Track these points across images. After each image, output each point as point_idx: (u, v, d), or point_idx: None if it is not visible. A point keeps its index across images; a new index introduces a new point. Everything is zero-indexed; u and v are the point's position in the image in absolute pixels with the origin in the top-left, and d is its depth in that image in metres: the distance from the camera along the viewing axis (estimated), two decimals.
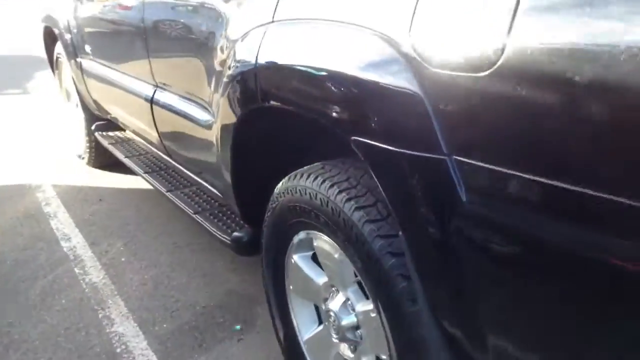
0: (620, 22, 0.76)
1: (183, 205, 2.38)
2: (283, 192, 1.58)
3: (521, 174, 0.89)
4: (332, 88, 1.22)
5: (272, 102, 1.47)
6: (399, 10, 1.08)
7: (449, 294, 1.09)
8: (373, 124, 1.12)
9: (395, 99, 1.06)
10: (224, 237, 2.06)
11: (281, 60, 1.40)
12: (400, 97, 1.05)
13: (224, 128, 1.76)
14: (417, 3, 1.04)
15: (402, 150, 1.05)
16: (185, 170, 2.66)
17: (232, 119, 1.69)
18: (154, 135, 2.58)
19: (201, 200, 2.42)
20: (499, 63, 0.88)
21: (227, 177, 1.86)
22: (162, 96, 2.36)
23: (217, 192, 2.26)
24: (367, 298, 1.45)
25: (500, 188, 0.92)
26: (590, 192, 0.80)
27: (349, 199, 1.34)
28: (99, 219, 3.23)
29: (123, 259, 2.78)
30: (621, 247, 0.81)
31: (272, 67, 1.43)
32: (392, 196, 1.12)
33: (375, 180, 1.15)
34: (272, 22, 1.46)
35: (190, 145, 2.24)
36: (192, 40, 2.00)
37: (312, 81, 1.28)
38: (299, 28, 1.36)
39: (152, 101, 2.43)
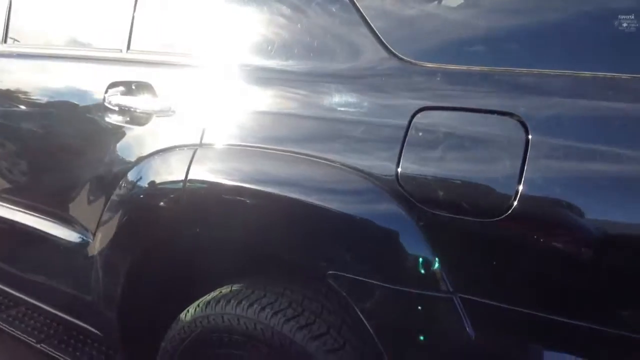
0: None
1: (18, 333, 2.01)
2: (200, 321, 1.46)
3: (526, 310, 0.99)
4: (305, 220, 1.20)
5: (205, 230, 1.37)
6: (383, 146, 1.13)
7: None
8: (361, 260, 1.13)
9: (387, 237, 1.10)
10: None
11: (227, 184, 1.31)
12: (395, 236, 1.09)
13: (112, 252, 1.57)
14: (405, 141, 1.09)
15: (400, 288, 1.08)
16: (2, 287, 2.25)
17: (129, 244, 1.53)
18: None
19: (39, 325, 2.07)
20: (508, 213, 0.98)
21: (108, 303, 1.65)
22: None
23: (72, 317, 1.96)
24: None
25: (508, 324, 1.01)
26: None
27: (299, 328, 1.31)
28: None
29: None
30: None
31: (213, 191, 1.34)
32: (383, 334, 1.13)
33: (362, 318, 1.15)
34: (201, 145, 1.38)
35: (43, 266, 1.92)
36: (57, 149, 1.77)
37: (278, 212, 1.24)
38: (250, 154, 1.31)
39: None
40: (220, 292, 1.48)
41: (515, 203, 0.97)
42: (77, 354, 1.89)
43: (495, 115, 1.02)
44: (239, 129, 1.34)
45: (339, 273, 1.15)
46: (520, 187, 0.97)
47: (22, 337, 2.00)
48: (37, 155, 1.83)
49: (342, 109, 1.19)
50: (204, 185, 1.36)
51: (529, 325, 0.98)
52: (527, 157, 0.96)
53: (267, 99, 1.33)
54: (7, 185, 1.96)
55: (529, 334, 0.99)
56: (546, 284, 0.97)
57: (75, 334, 2.00)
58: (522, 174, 0.97)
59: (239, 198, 1.30)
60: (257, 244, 1.31)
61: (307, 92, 1.26)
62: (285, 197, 1.22)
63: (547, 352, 0.99)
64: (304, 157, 1.21)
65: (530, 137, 0.97)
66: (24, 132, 1.87)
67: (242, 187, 1.29)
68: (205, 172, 1.35)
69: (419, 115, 1.09)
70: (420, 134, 1.08)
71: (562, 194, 0.95)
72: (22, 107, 1.87)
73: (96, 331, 1.84)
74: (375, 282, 1.10)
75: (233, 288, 1.46)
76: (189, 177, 1.36)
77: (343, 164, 1.15)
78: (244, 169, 1.32)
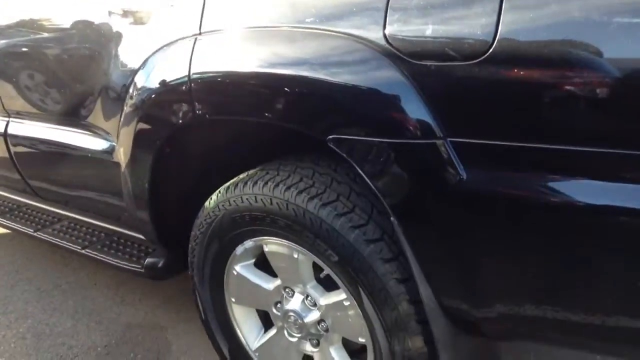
0: None
1: (64, 242, 2.17)
2: (222, 204, 1.56)
3: (515, 143, 1.04)
4: (303, 90, 1.26)
5: (215, 115, 1.44)
6: (369, 11, 1.16)
7: (451, 268, 1.21)
8: (358, 120, 1.19)
9: (380, 94, 1.15)
10: (133, 267, 1.94)
11: (231, 70, 1.38)
12: (386, 91, 1.14)
13: (136, 151, 1.66)
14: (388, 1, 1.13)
15: (396, 141, 1.14)
16: (47, 207, 2.41)
17: (149, 139, 1.61)
18: (9, 175, 2.29)
19: (82, 234, 2.23)
20: (489, 52, 1.01)
21: (139, 202, 1.76)
22: (22, 128, 2.13)
23: (108, 222, 2.11)
24: (330, 290, 1.51)
25: (498, 160, 1.07)
26: (586, 148, 0.98)
27: (311, 198, 1.39)
28: None
29: None
30: (613, 195, 1.00)
31: (217, 78, 1.41)
32: (384, 187, 1.20)
33: (363, 175, 1.22)
34: (200, 33, 1.43)
35: (78, 178, 2.05)
36: (68, 61, 1.84)
37: (277, 87, 1.30)
38: (243, 36, 1.36)
39: (5, 135, 2.17)
40: (239, 177, 1.57)
41: (495, 42, 1.00)
42: (119, 254, 2.04)
43: None
44: (229, 13, 1.38)
45: (337, 136, 1.22)
46: (500, 26, 1.00)
47: (68, 246, 2.16)
48: (52, 70, 1.92)
49: None
50: (207, 72, 1.42)
51: (513, 157, 1.04)
52: None
53: None
54: (31, 105, 2.06)
55: (515, 165, 1.05)
56: (529, 116, 1.01)
57: (117, 238, 2.16)
58: (500, 15, 0.99)
59: (236, 80, 1.37)
60: (260, 121, 1.36)
61: None
62: (278, 73, 1.28)
63: (532, 178, 1.04)
64: (293, 29, 1.26)
65: None
66: (38, 51, 1.95)
67: (238, 71, 1.36)
68: (205, 60, 1.41)
69: None
70: None
71: (541, 28, 0.98)
72: (33, 26, 1.94)
73: (133, 233, 1.98)
74: (370, 138, 1.17)
75: (249, 172, 1.55)
76: (192, 65, 1.42)
77: (332, 31, 1.19)
78: (238, 52, 1.37)
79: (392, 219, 1.22)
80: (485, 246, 1.15)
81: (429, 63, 1.08)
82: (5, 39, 2.04)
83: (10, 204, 2.60)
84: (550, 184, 1.04)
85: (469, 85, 1.05)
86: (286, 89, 1.27)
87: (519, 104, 1.02)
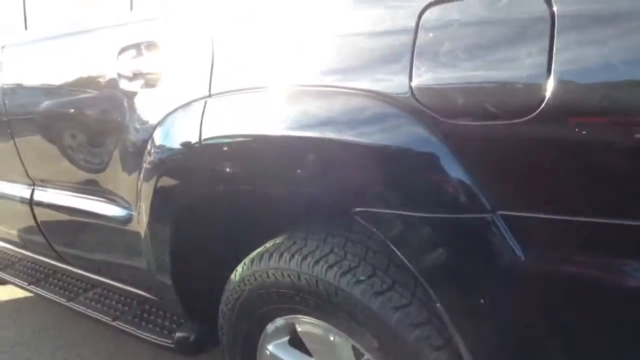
0: None
1: (95, 313, 2.05)
2: (248, 279, 1.39)
3: (580, 218, 0.83)
4: (318, 158, 1.09)
5: (227, 185, 1.29)
6: (391, 62, 0.98)
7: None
8: (385, 191, 1.00)
9: (410, 160, 0.96)
10: (163, 341, 1.79)
11: (241, 134, 1.22)
12: (417, 157, 0.95)
13: (154, 221, 1.53)
14: (414, 49, 0.94)
15: (434, 215, 0.95)
16: (80, 272, 2.31)
17: (168, 207, 1.47)
18: (38, 241, 2.21)
19: (114, 303, 2.10)
20: (541, 108, 0.81)
21: (162, 272, 1.62)
22: (46, 195, 2.04)
23: (137, 290, 1.98)
24: None
25: (563, 237, 0.86)
26: None
27: (343, 273, 1.21)
28: None
29: None
30: None
31: (227, 143, 1.25)
32: (426, 269, 1.00)
33: (395, 250, 1.03)
34: (210, 95, 1.28)
35: (101, 246, 1.94)
36: (84, 128, 1.74)
37: (288, 154, 1.13)
38: (253, 98, 1.20)
39: (31, 203, 2.09)
40: (265, 247, 1.40)
41: (548, 94, 0.80)
42: (150, 326, 1.89)
43: None
44: (239, 72, 1.23)
45: (364, 209, 1.03)
46: (552, 74, 0.80)
47: (99, 317, 2.04)
48: (70, 137, 1.82)
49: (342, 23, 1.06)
50: (218, 137, 1.27)
51: (582, 234, 0.83)
52: (555, 35, 0.79)
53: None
54: (53, 173, 1.98)
55: (586, 244, 0.84)
56: (594, 185, 0.80)
57: (148, 307, 2.02)
58: (551, 58, 0.80)
59: (246, 147, 1.21)
60: (279, 190, 1.20)
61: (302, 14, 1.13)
62: (288, 137, 1.11)
63: (606, 260, 0.83)
64: (306, 88, 1.09)
65: (555, 9, 0.79)
66: (58, 119, 1.85)
67: (248, 136, 1.20)
68: (215, 123, 1.26)
69: (427, 12, 0.93)
70: (431, 34, 0.92)
71: (604, 74, 0.78)
72: (50, 91, 1.86)
73: (159, 300, 1.84)
74: (403, 212, 0.98)
75: (275, 242, 1.39)
76: (203, 129, 1.27)
77: (350, 88, 1.02)
78: (247, 115, 1.22)
79: (437, 305, 1.02)
80: (552, 337, 0.93)
81: (466, 122, 0.89)
82: (27, 108, 1.97)
83: (46, 270, 2.51)
84: (629, 267, 0.82)
85: (519, 148, 0.85)
86: (298, 157, 1.10)
87: (586, 169, 0.81)
